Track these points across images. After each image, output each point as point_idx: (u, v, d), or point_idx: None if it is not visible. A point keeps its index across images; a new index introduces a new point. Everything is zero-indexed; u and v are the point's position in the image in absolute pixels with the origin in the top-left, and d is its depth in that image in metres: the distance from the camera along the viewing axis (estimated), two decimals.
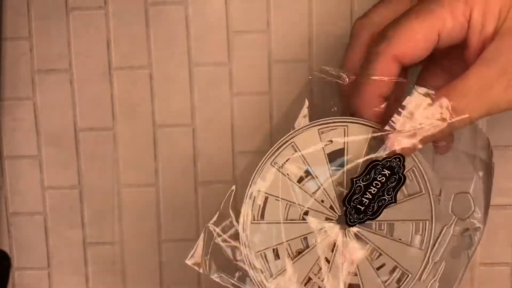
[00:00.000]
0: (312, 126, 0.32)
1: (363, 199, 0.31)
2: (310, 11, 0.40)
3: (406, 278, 0.32)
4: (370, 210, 0.31)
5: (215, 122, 0.41)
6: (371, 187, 0.31)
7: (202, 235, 0.32)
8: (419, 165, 0.31)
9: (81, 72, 0.41)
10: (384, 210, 0.31)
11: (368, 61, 0.30)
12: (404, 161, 0.30)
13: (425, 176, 0.31)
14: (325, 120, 0.31)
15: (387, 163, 0.30)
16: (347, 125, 0.31)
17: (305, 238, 0.32)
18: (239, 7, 0.40)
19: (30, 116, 0.42)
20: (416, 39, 0.29)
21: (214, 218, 0.32)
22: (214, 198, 0.42)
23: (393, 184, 0.31)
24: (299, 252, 0.32)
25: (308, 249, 0.32)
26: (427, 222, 0.31)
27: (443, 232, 0.32)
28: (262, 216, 0.32)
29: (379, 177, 0.31)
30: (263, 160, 0.32)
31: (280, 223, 0.32)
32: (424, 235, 0.32)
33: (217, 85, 0.41)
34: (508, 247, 0.41)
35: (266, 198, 0.32)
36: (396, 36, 0.29)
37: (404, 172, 0.31)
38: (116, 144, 0.42)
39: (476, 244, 0.32)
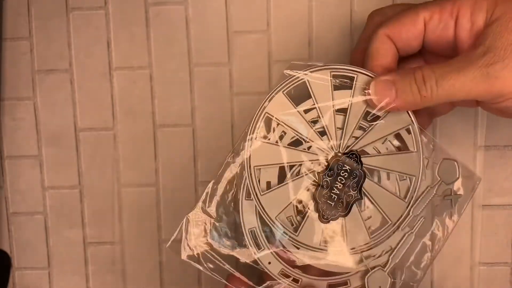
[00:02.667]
0: (324, 68, 0.33)
1: (332, 194, 0.33)
2: (310, 11, 0.40)
3: (386, 224, 0.33)
4: (340, 206, 0.33)
5: (215, 122, 0.41)
6: (337, 182, 0.33)
7: (183, 224, 0.34)
8: (415, 124, 0.33)
9: (81, 72, 0.42)
10: (376, 158, 0.33)
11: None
12: (360, 157, 0.33)
13: (417, 136, 0.33)
14: (338, 65, 0.33)
15: (345, 159, 0.33)
16: (357, 75, 0.33)
17: (301, 165, 0.33)
18: (239, 7, 0.40)
19: (30, 116, 0.42)
20: (404, 23, 0.32)
21: (195, 210, 0.34)
22: None
23: (355, 179, 0.33)
24: (293, 175, 0.33)
25: (300, 176, 0.33)
26: (414, 178, 0.33)
27: (426, 191, 0.33)
28: (266, 183, 0.34)
29: (342, 173, 0.33)
30: (275, 89, 0.33)
31: (280, 146, 0.33)
32: (409, 189, 0.33)
33: (217, 85, 0.41)
34: (508, 247, 0.41)
35: (270, 120, 0.33)
36: (389, 21, 0.33)
37: (399, 130, 0.33)
38: (116, 144, 0.42)
39: (459, 211, 0.34)
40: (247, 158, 0.33)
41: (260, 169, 0.33)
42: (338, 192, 0.33)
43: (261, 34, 0.41)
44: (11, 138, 0.42)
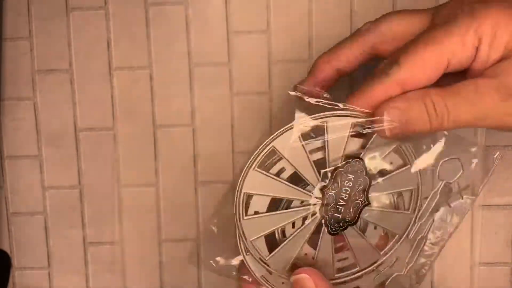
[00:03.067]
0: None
1: (338, 206, 0.32)
2: (310, 11, 0.40)
3: (394, 238, 0.33)
4: (348, 216, 0.32)
5: (215, 122, 0.41)
6: (342, 193, 0.32)
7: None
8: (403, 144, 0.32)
9: (81, 72, 0.42)
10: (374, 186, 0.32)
11: (373, 78, 0.31)
12: (364, 163, 0.32)
13: (409, 149, 0.32)
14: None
15: (348, 168, 0.32)
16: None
17: (293, 223, 0.33)
18: (239, 7, 0.40)
19: (30, 116, 0.42)
20: (426, 68, 0.29)
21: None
22: (214, 198, 0.42)
23: (361, 187, 0.32)
24: (286, 235, 0.33)
25: (296, 232, 0.33)
26: (414, 189, 0.32)
27: (429, 197, 0.33)
28: (254, 212, 0.34)
29: (346, 183, 0.32)
30: (247, 166, 0.33)
31: (268, 215, 0.33)
32: (411, 200, 0.33)
33: (217, 85, 0.41)
34: (508, 247, 0.41)
35: (251, 197, 0.33)
36: (407, 63, 0.29)
37: (384, 156, 0.32)
38: (116, 144, 0.42)
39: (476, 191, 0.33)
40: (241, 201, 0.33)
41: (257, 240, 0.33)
42: (344, 203, 0.32)
43: (261, 34, 0.41)
44: (11, 138, 0.42)
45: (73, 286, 0.43)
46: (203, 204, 0.42)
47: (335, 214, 0.32)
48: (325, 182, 0.32)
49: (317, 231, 0.33)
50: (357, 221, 0.32)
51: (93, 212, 0.43)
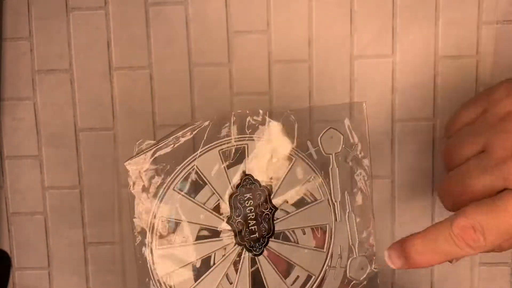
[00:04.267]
0: (212, 148, 0.32)
1: (250, 228, 0.32)
2: (310, 11, 0.40)
3: (325, 229, 0.33)
4: (264, 231, 0.32)
5: None
6: (248, 215, 0.32)
7: None
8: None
9: (81, 72, 0.41)
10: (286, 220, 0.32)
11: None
12: (252, 177, 0.32)
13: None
14: (224, 140, 0.32)
15: (242, 189, 0.32)
16: (247, 144, 0.32)
17: (208, 258, 0.32)
18: (239, 7, 0.40)
19: (30, 116, 0.42)
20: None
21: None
22: None
23: (262, 198, 0.32)
24: (201, 274, 0.32)
25: (211, 269, 0.32)
26: (313, 177, 0.33)
27: (330, 175, 0.33)
28: (168, 240, 0.32)
29: (247, 203, 0.32)
30: (166, 185, 0.32)
31: (183, 246, 0.32)
32: (319, 189, 0.33)
33: (217, 85, 0.41)
34: None
35: (169, 222, 0.32)
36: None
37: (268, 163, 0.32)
38: (116, 144, 0.42)
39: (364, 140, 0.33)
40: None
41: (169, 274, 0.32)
42: (255, 222, 0.32)
43: (261, 34, 0.40)
44: (11, 138, 0.42)
45: (73, 286, 0.43)
46: None
47: (252, 236, 0.32)
48: (228, 214, 0.32)
49: (235, 268, 0.32)
50: (273, 231, 0.32)
51: (93, 212, 0.43)
